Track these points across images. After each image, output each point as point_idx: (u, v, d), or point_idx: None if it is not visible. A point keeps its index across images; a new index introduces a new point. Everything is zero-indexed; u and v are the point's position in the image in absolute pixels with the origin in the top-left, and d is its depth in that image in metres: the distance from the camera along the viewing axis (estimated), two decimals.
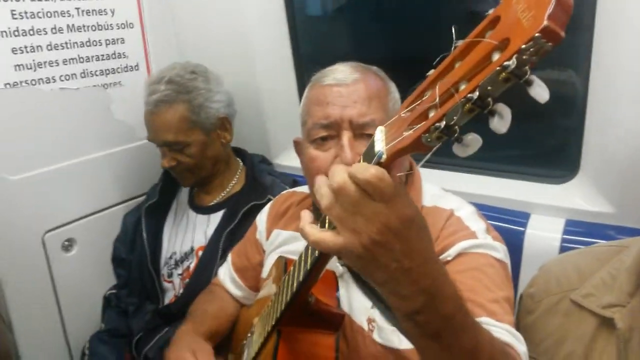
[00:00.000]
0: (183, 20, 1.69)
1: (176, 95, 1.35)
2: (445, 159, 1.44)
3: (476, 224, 0.93)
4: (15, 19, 1.32)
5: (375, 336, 0.87)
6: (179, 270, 1.44)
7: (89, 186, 1.54)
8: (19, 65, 1.34)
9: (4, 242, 1.35)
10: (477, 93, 0.43)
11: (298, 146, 1.04)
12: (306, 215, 0.60)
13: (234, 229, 1.33)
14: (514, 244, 1.21)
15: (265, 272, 1.12)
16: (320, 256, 0.66)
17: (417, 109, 0.51)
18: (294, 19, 1.63)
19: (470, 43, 0.47)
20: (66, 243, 1.49)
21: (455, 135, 0.46)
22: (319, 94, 0.95)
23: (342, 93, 0.92)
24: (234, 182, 1.49)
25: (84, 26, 1.48)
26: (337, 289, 0.90)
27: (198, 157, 1.39)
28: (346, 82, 0.93)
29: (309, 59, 1.69)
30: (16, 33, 1.32)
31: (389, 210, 0.51)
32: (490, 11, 0.46)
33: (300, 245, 1.04)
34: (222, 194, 1.47)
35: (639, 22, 1.02)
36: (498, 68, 0.42)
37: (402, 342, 0.85)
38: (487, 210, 1.25)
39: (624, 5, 1.04)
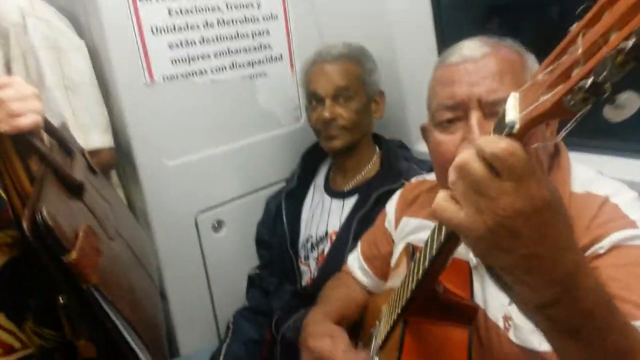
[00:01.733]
0: (323, 8, 1.70)
1: (352, 54, 1.45)
2: (601, 142, 1.24)
3: (638, 212, 0.77)
4: (171, 16, 1.45)
5: (512, 335, 0.78)
6: (315, 254, 1.46)
7: (237, 171, 1.63)
8: (175, 60, 1.47)
9: (162, 221, 1.49)
10: (631, 41, 0.36)
11: (425, 132, 0.97)
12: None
13: (366, 214, 1.31)
14: None
15: (393, 261, 1.08)
16: (446, 241, 0.60)
17: (557, 68, 0.44)
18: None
19: None
20: (216, 224, 1.60)
21: (606, 95, 0.39)
22: (444, 73, 0.87)
23: (470, 70, 0.83)
24: (369, 166, 1.47)
25: (232, 20, 1.57)
26: (471, 281, 0.82)
27: (357, 115, 1.41)
28: (474, 58, 0.84)
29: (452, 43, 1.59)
30: (172, 30, 1.45)
31: (519, 191, 0.45)
32: None
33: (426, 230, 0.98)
34: (357, 179, 1.46)
35: None
36: None
37: (542, 344, 0.74)
38: None
39: None
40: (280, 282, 1.53)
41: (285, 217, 1.52)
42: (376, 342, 0.92)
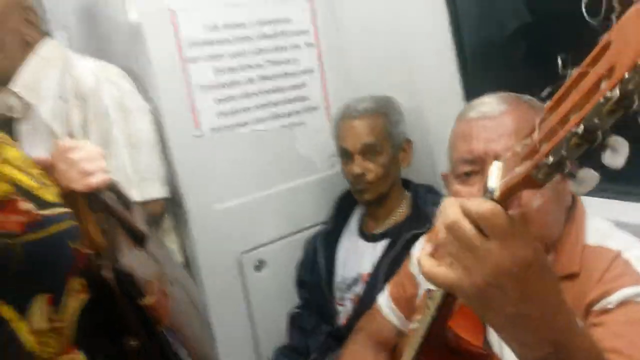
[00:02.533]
0: (355, 62, 1.82)
1: (378, 108, 1.54)
2: (620, 187, 1.26)
3: None
4: (217, 74, 1.60)
5: None
6: (350, 295, 1.53)
7: (278, 214, 1.74)
8: (220, 113, 1.62)
9: (208, 262, 1.61)
10: (582, 127, 0.41)
11: (446, 180, 1.02)
12: (427, 246, 0.60)
13: (396, 257, 1.37)
14: None
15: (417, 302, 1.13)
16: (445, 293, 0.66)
17: (531, 141, 0.49)
18: (463, 48, 1.64)
19: (584, 69, 0.45)
20: (257, 263, 1.71)
21: (566, 170, 0.44)
22: (464, 127, 0.92)
23: (487, 126, 0.88)
24: (399, 210, 1.54)
25: (272, 75, 1.71)
26: (485, 326, 0.84)
27: (385, 168, 1.49)
28: (492, 115, 0.89)
29: (477, 90, 1.67)
30: (218, 86, 1.60)
31: (503, 250, 0.48)
32: (605, 35, 0.43)
33: None
34: (387, 222, 1.54)
35: None
36: (601, 100, 0.39)
37: None
38: None
39: None
40: (317, 322, 1.60)
41: (322, 258, 1.60)
42: None
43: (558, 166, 0.44)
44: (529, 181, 0.48)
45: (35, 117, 1.44)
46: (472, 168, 0.89)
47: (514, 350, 0.55)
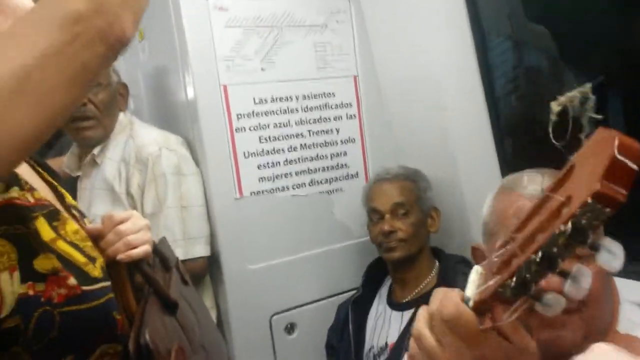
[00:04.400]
0: (397, 135, 1.89)
1: (408, 175, 1.64)
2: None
3: None
4: (261, 143, 1.71)
5: None
6: None
7: (311, 277, 1.78)
8: (261, 178, 1.72)
9: (240, 321, 1.66)
10: (539, 255, 0.41)
11: (477, 252, 0.96)
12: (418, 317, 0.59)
13: None
14: None
15: None
16: None
17: (504, 255, 0.48)
18: (498, 118, 1.66)
19: (554, 188, 0.44)
20: (288, 326, 1.74)
21: (530, 293, 0.44)
22: (518, 204, 0.85)
23: (526, 205, 0.83)
24: (427, 280, 1.54)
25: (313, 144, 1.80)
26: None
27: (414, 228, 1.54)
28: (534, 194, 0.85)
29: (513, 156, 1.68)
30: (261, 153, 1.71)
31: (471, 351, 0.50)
32: (572, 157, 0.43)
33: None
34: (416, 291, 1.54)
35: None
36: (557, 231, 0.39)
37: None
38: None
39: None
40: None
41: (351, 325, 1.61)
42: None
43: (522, 288, 0.44)
44: (499, 298, 0.47)
45: (98, 176, 1.60)
46: None
47: None
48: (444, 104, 1.72)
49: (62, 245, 0.77)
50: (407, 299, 1.54)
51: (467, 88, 1.70)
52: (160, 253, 1.06)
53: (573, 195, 0.39)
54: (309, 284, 1.78)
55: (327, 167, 1.83)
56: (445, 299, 0.52)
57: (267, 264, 1.71)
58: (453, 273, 1.50)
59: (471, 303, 0.51)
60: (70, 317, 0.73)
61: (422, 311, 0.55)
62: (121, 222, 0.91)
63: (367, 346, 1.59)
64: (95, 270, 0.80)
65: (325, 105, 1.82)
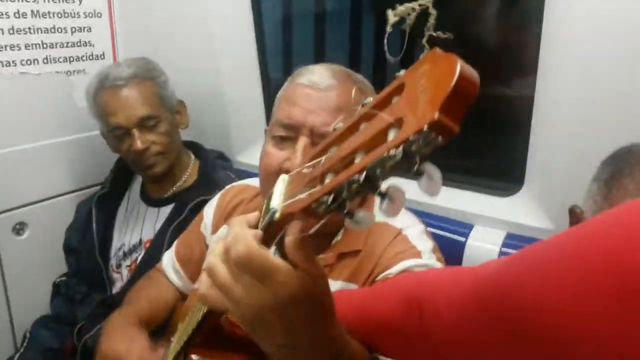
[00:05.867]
0: (153, 13, 1.69)
1: (143, 72, 1.37)
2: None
3: (423, 243, 0.91)
4: None
5: None
6: (127, 262, 1.44)
7: (44, 171, 1.54)
8: None
9: None
10: (363, 175, 0.38)
11: (266, 135, 0.99)
12: (213, 249, 0.55)
13: (181, 223, 1.32)
14: (455, 254, 1.22)
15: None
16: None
17: (317, 167, 0.45)
18: (260, 16, 1.64)
19: (379, 104, 0.41)
20: (17, 226, 1.49)
21: (345, 210, 0.42)
22: (290, 91, 0.91)
23: (312, 97, 0.87)
24: (185, 176, 1.48)
25: (49, 13, 1.48)
26: None
27: (169, 136, 1.39)
28: (319, 86, 0.88)
29: (273, 55, 1.70)
30: None
31: (266, 288, 0.48)
32: (401, 72, 0.40)
33: None
34: (174, 188, 1.47)
35: (583, 38, 1.03)
36: (385, 154, 0.36)
37: None
38: (431, 219, 1.27)
39: (571, 26, 1.05)
40: (88, 290, 1.47)
41: (95, 224, 1.47)
42: None
43: (337, 205, 0.42)
44: (309, 212, 0.45)
45: None
46: (287, 134, 0.88)
47: None
48: None
49: None
50: (166, 195, 1.47)
51: None
52: None
53: (404, 118, 0.36)
54: (42, 179, 1.54)
55: (67, 44, 1.54)
56: (236, 238, 0.49)
57: None
58: (212, 168, 1.47)
59: (277, 215, 0.49)
60: None
61: (217, 245, 0.52)
62: None
63: (115, 245, 1.48)
64: None
65: None
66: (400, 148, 0.35)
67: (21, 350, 1.39)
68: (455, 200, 1.33)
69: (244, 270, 0.48)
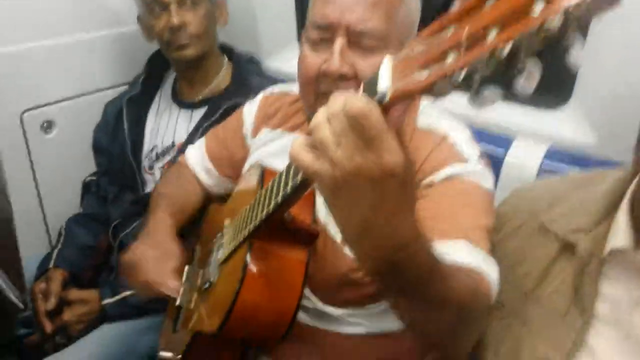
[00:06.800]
0: None
1: None
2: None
3: (469, 149, 0.88)
4: None
5: (347, 250, 0.85)
6: (160, 164, 1.44)
7: (71, 69, 1.50)
8: None
9: None
10: (508, 47, 0.36)
11: (302, 38, 0.94)
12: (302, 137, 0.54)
13: (213, 124, 1.29)
14: (493, 167, 1.21)
15: (245, 167, 1.09)
16: (301, 184, 0.62)
17: (434, 45, 0.43)
18: None
19: None
20: (45, 124, 1.47)
21: (475, 87, 0.39)
22: None
23: None
24: (218, 78, 1.44)
25: None
26: (314, 201, 0.87)
27: (207, 21, 1.34)
28: None
29: None
30: None
31: (369, 152, 0.46)
32: None
33: (285, 142, 1.02)
34: (206, 90, 1.43)
35: None
36: (538, 26, 0.34)
37: None
38: (471, 131, 1.25)
39: None
40: (120, 190, 1.48)
41: (127, 125, 1.44)
42: (217, 255, 0.95)
43: (467, 82, 0.39)
44: (429, 91, 0.43)
45: None
46: (323, 35, 0.84)
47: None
48: None
49: None
50: (198, 98, 1.43)
51: None
52: None
53: None
54: (68, 77, 1.51)
55: None
56: (351, 97, 0.47)
57: (10, 49, 1.35)
58: (246, 72, 1.43)
59: (387, 99, 0.47)
60: None
61: (322, 108, 0.49)
62: None
63: (147, 146, 1.46)
64: None
65: None
66: (560, 15, 0.33)
67: (58, 247, 1.42)
68: (494, 111, 1.30)
69: (353, 128, 0.46)
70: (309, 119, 0.91)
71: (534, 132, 1.25)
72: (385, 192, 0.48)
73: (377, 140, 0.46)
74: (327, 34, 0.84)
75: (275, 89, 1.17)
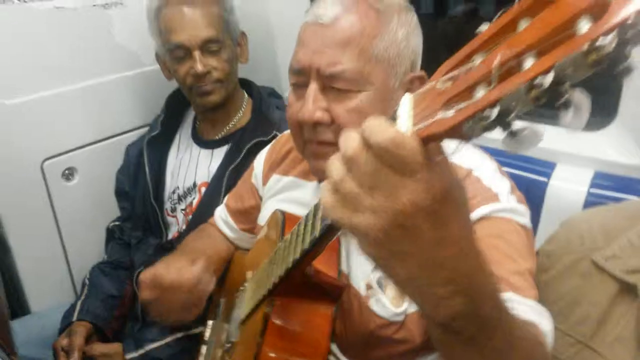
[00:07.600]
0: None
1: None
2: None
3: (499, 183, 0.79)
4: None
5: (372, 304, 0.80)
6: (182, 206, 1.39)
7: (89, 114, 1.48)
8: None
9: (1, 171, 1.31)
10: (551, 77, 0.30)
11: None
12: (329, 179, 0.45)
13: (238, 166, 1.26)
14: (536, 195, 1.12)
15: (262, 219, 1.03)
16: (323, 233, 0.56)
17: (460, 79, 0.37)
18: None
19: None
20: (67, 172, 1.45)
21: (510, 128, 0.33)
22: (302, 31, 0.82)
23: (317, 34, 0.78)
24: (239, 115, 1.40)
25: None
26: (339, 250, 0.81)
27: (230, 65, 1.31)
28: (323, 21, 0.77)
29: None
30: None
31: (415, 184, 0.39)
32: None
33: (302, 193, 0.96)
34: (227, 128, 1.39)
35: None
36: (587, 46, 0.28)
37: (399, 316, 0.78)
38: (508, 158, 1.16)
39: None
40: (143, 235, 1.43)
41: (148, 167, 1.41)
42: (237, 313, 0.91)
43: (501, 121, 0.33)
44: (456, 132, 0.36)
45: None
46: (298, 80, 0.81)
47: (425, 305, 0.47)
48: None
49: None
50: (218, 137, 1.39)
51: None
52: None
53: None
54: (87, 123, 1.48)
55: None
56: (377, 125, 0.39)
57: (29, 98, 1.34)
58: (267, 108, 1.38)
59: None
60: None
61: (333, 158, 0.42)
62: None
63: (169, 188, 1.42)
64: None
65: None
66: (614, 34, 0.27)
67: (82, 298, 1.38)
68: None
69: (386, 162, 0.38)
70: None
71: (578, 156, 1.16)
72: (445, 219, 0.41)
73: (417, 165, 0.38)
74: (301, 78, 0.80)
75: (285, 133, 1.12)
